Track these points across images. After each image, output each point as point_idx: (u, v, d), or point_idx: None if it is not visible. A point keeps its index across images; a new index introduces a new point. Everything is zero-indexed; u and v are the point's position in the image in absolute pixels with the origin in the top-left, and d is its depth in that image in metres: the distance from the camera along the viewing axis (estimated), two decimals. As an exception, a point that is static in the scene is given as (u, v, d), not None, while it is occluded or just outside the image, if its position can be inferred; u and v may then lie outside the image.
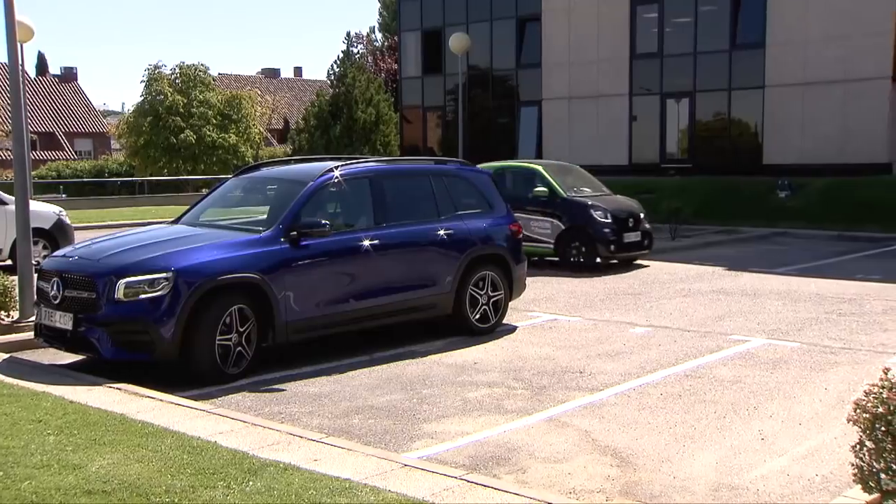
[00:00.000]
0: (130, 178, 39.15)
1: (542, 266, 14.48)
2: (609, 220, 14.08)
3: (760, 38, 24.48)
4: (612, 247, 14.07)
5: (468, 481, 4.87)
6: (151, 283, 7.27)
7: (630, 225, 14.28)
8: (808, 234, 19.38)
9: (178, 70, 42.19)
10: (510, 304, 9.95)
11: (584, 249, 14.17)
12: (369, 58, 47.49)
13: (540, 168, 15.11)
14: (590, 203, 14.32)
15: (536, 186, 14.61)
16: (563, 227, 14.29)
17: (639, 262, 15.16)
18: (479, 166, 12.61)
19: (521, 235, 10.20)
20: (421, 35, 33.04)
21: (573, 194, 14.56)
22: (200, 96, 41.37)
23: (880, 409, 3.73)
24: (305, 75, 68.82)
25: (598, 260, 14.26)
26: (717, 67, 25.41)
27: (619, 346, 8.84)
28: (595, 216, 14.12)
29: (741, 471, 5.39)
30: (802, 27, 23.57)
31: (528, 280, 10.58)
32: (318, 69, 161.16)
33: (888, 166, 22.44)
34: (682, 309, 10.90)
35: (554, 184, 14.57)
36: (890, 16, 22.37)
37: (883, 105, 22.57)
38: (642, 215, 14.64)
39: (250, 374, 7.62)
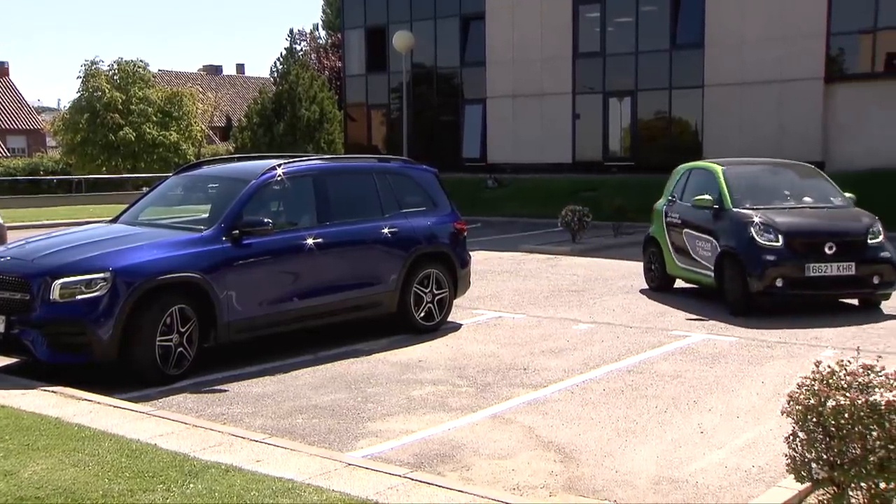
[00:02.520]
0: (67, 177, 38.19)
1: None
2: (777, 244, 9.90)
3: (699, 39, 24.93)
4: (779, 281, 9.81)
5: (412, 479, 4.87)
6: (88, 283, 7.12)
7: (828, 251, 9.85)
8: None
9: (116, 66, 41.32)
10: (455, 301, 9.97)
11: (737, 282, 10.19)
12: (313, 55, 47.08)
13: (717, 168, 11.45)
14: (755, 218, 10.19)
15: (702, 194, 11.16)
16: (719, 249, 10.52)
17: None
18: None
19: (465, 234, 10.22)
20: (365, 33, 32.89)
21: (751, 205, 10.60)
22: (140, 93, 40.57)
23: (812, 401, 3.83)
24: (248, 72, 67.98)
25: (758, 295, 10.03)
26: (658, 67, 25.81)
27: (562, 343, 8.92)
28: (753, 236, 10.03)
29: (681, 464, 5.49)
30: (739, 28, 24.06)
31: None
32: (261, 66, 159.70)
33: (821, 165, 23.02)
34: (624, 305, 11.04)
35: (724, 189, 10.88)
36: (823, 18, 22.98)
37: (817, 105, 23.18)
38: (868, 239, 10.15)
39: (192, 375, 7.51)
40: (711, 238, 10.74)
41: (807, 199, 11.00)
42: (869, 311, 10.34)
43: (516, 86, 28.37)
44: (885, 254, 10.16)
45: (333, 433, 6.12)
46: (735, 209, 10.59)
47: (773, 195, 11.05)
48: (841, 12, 22.83)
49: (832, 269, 9.90)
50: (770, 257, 9.89)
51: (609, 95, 27.12)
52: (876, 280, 10.06)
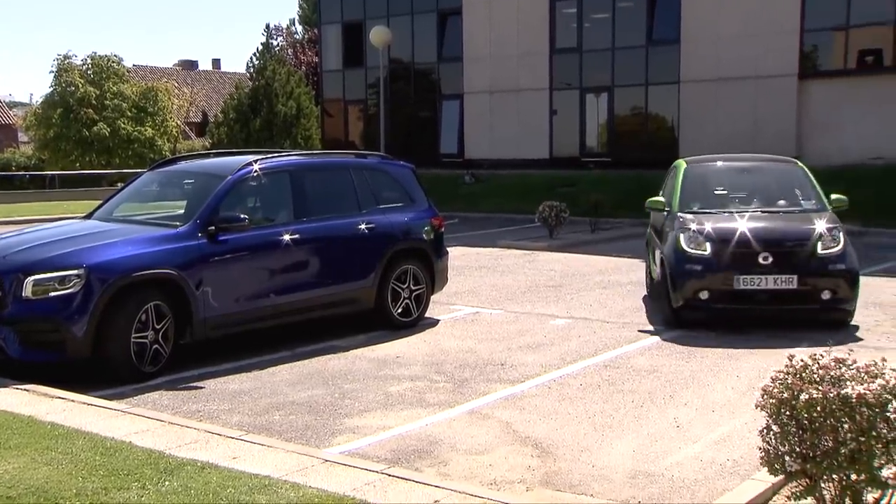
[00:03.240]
0: (40, 172, 37.75)
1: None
2: (704, 253, 8.79)
3: (675, 35, 25.07)
4: (704, 294, 8.74)
5: (390, 475, 4.87)
6: (62, 280, 7.05)
7: (763, 262, 8.64)
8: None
9: (89, 61, 40.93)
10: (432, 297, 9.97)
11: (664, 295, 9.33)
12: (289, 50, 46.83)
13: (682, 165, 10.65)
14: (690, 225, 9.17)
15: (656, 195, 10.63)
16: (659, 257, 9.72)
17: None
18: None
19: (443, 229, 10.22)
20: (342, 28, 32.77)
21: (699, 208, 9.59)
22: (114, 88, 40.23)
23: (785, 395, 3.86)
24: (224, 67, 67.50)
25: (682, 311, 9.05)
26: (635, 63, 25.92)
27: (539, 338, 8.95)
28: (681, 244, 8.98)
29: (657, 458, 5.53)
30: (715, 24, 24.22)
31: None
32: (237, 61, 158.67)
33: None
34: (601, 300, 11.10)
35: (676, 190, 10.01)
36: (797, 15, 23.18)
37: (791, 102, 23.39)
38: (818, 249, 8.79)
39: (168, 372, 7.46)
40: (659, 243, 9.85)
41: (779, 202, 9.70)
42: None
43: (493, 82, 28.39)
44: (837, 266, 8.70)
45: (310, 429, 6.10)
46: (679, 213, 9.53)
47: (731, 197, 9.94)
48: (815, 9, 23.06)
49: (769, 282, 8.61)
50: (694, 267, 8.77)
51: (586, 91, 27.20)
52: (826, 296, 8.61)
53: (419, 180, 10.28)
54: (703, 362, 7.86)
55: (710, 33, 24.29)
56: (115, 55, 41.68)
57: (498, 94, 28.38)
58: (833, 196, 9.68)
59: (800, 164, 10.61)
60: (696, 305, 8.92)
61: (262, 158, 8.78)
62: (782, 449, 3.92)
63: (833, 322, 8.92)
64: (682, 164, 10.67)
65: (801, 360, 3.97)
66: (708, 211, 9.58)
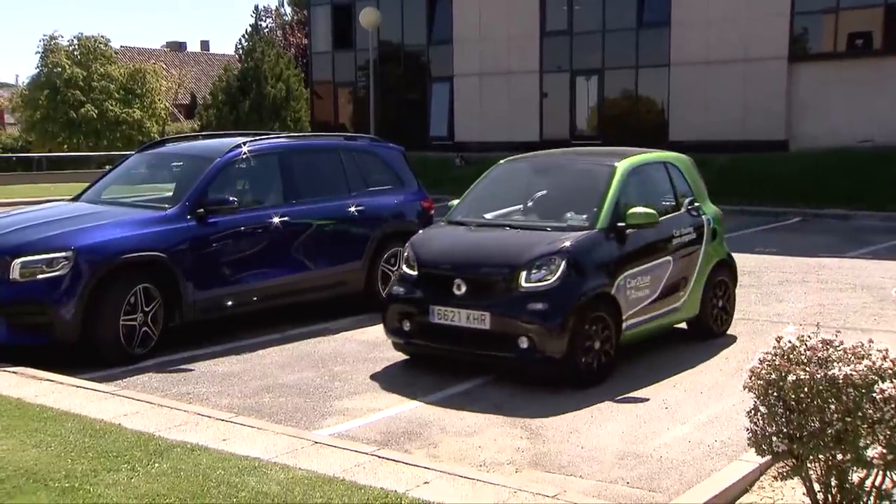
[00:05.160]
0: (27, 154, 37.45)
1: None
2: (413, 273, 7.13)
3: (665, 17, 24.98)
4: (406, 324, 7.04)
5: (379, 457, 4.88)
6: (50, 262, 7.02)
7: (457, 292, 6.73)
8: (710, 210, 19.95)
9: (76, 42, 40.55)
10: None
11: None
12: (278, 32, 46.51)
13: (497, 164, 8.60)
14: (418, 239, 7.54)
15: None
16: None
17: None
18: None
19: (432, 212, 10.20)
20: (331, 9, 32.51)
21: (464, 217, 7.76)
22: (101, 69, 39.88)
23: (773, 376, 3.88)
24: (213, 49, 66.97)
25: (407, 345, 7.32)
26: (625, 46, 25.85)
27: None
28: (401, 263, 7.51)
29: (646, 439, 5.56)
30: (704, 7, 24.14)
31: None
32: (226, 43, 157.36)
33: (785, 143, 23.32)
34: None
35: (464, 196, 8.24)
36: (787, -2, 23.15)
37: (781, 84, 23.38)
38: (522, 280, 6.60)
39: (157, 354, 7.45)
40: None
41: (566, 213, 7.30)
42: (829, 289, 10.49)
43: (483, 64, 28.28)
44: (538, 306, 6.44)
45: (300, 412, 6.11)
46: (442, 220, 8.01)
47: (506, 203, 7.94)
48: (805, -8, 23.04)
49: (461, 318, 6.66)
50: (399, 290, 7.15)
51: (576, 74, 27.13)
52: (523, 344, 6.41)
53: (409, 163, 10.26)
54: (692, 344, 7.87)
55: (700, 16, 24.23)
56: (102, 36, 41.28)
57: (488, 76, 28.28)
58: (632, 210, 7.07)
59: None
60: (402, 337, 7.12)
61: (251, 141, 8.75)
62: (769, 430, 3.94)
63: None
64: (499, 163, 8.53)
65: (789, 342, 3.99)
66: (461, 221, 7.66)
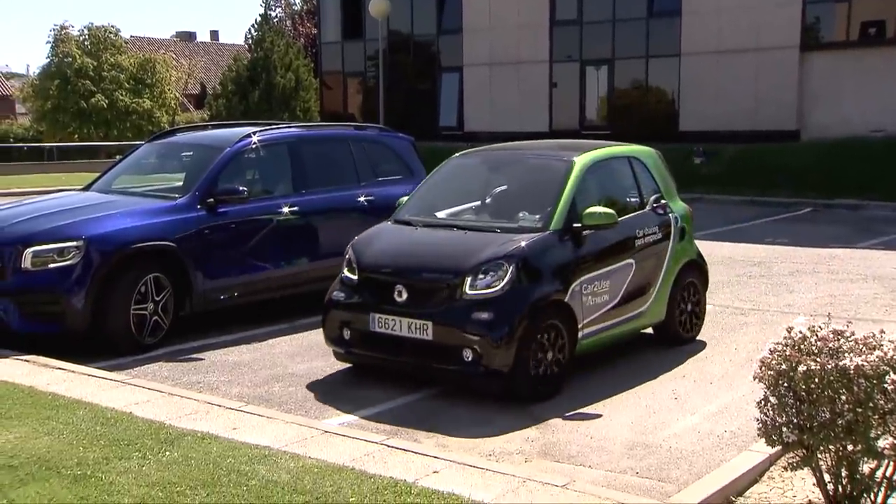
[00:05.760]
0: (38, 144, 37.58)
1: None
2: (350, 275, 6.66)
3: (676, 6, 24.83)
4: (347, 332, 6.53)
5: (389, 446, 4.90)
6: (61, 251, 7.05)
7: (398, 298, 6.25)
8: (721, 200, 19.91)
9: (86, 31, 40.61)
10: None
11: None
12: (288, 22, 46.48)
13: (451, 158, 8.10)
14: (360, 240, 6.96)
15: None
16: None
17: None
18: None
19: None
20: (340, -1, 32.49)
21: (412, 215, 7.23)
22: (112, 59, 39.93)
23: (783, 367, 3.87)
24: (223, 39, 67.09)
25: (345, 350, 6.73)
26: (635, 35, 25.72)
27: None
28: (343, 268, 6.84)
29: (655, 429, 5.56)
30: (716, -4, 24.02)
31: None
32: (236, 33, 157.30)
33: (796, 133, 23.18)
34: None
35: (414, 192, 7.88)
36: (799, -14, 22.97)
37: (792, 74, 23.24)
38: (466, 288, 6.09)
39: (168, 343, 7.48)
40: None
41: (519, 213, 6.80)
42: (840, 280, 10.46)
43: (493, 54, 28.20)
44: (483, 315, 5.94)
45: (310, 401, 6.13)
46: (389, 220, 7.39)
47: (457, 201, 7.38)
48: (817, -20, 22.87)
49: (402, 327, 6.20)
50: (339, 295, 6.65)
51: (586, 64, 27.02)
52: (468, 356, 5.93)
53: (418, 153, 10.25)
54: (702, 334, 7.86)
55: (711, 5, 24.08)
56: (112, 26, 41.32)
57: (498, 66, 28.20)
58: (589, 210, 6.55)
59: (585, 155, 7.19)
60: (342, 346, 6.64)
61: (261, 130, 8.75)
62: (780, 420, 3.94)
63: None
64: (451, 157, 8.04)
65: (800, 332, 3.97)
66: (407, 220, 7.15)
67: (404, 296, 6.20)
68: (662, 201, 7.57)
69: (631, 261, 6.94)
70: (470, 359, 5.92)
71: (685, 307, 7.58)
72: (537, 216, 6.62)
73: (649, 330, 7.54)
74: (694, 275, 7.73)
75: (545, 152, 7.76)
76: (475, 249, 6.25)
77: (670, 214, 7.54)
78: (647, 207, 7.41)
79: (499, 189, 7.42)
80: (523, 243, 6.25)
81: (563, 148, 7.78)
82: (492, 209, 7.19)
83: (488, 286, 6.02)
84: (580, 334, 6.40)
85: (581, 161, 6.99)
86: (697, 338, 7.74)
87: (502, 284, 6.01)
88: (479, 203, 7.33)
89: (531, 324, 5.99)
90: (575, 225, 6.50)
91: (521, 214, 6.75)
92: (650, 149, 8.04)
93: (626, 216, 7.00)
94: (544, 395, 6.10)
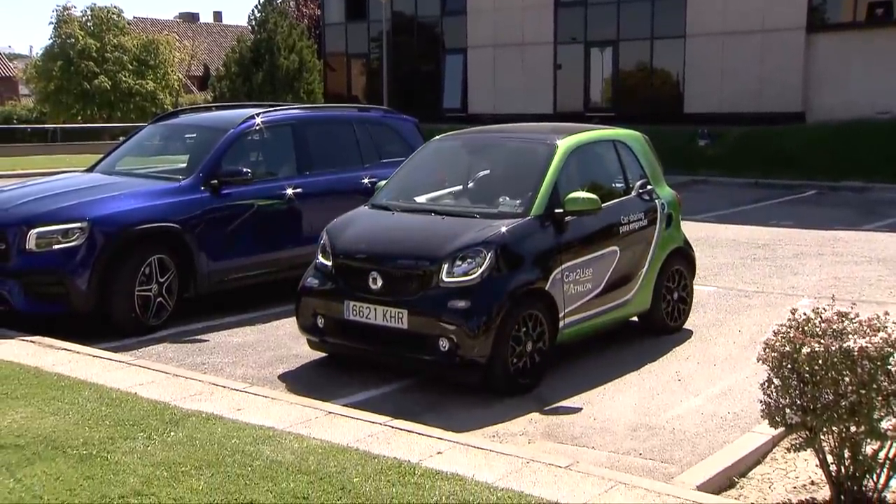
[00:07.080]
0: (41, 125, 37.56)
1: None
2: (328, 263, 6.45)
3: (682, -13, 24.69)
4: (321, 320, 6.37)
5: (393, 427, 4.91)
6: (65, 232, 7.06)
7: (373, 286, 6.05)
8: (726, 182, 19.87)
9: (89, 12, 40.49)
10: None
11: None
12: (291, 3, 46.25)
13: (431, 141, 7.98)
14: (335, 224, 6.80)
15: None
16: None
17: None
18: None
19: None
20: (344, -21, 32.34)
21: (390, 199, 7.04)
22: (115, 41, 39.83)
23: (787, 349, 3.88)
24: (226, 20, 67.04)
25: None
26: (640, 16, 25.56)
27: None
28: (317, 253, 6.68)
29: (659, 411, 5.57)
30: (722, -23, 23.85)
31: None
32: (239, 14, 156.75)
33: (801, 115, 23.08)
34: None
35: (392, 176, 7.64)
36: (806, -33, 22.80)
37: (798, 55, 23.10)
38: (443, 275, 5.90)
39: (172, 324, 7.50)
40: None
41: (500, 198, 6.59)
42: (845, 262, 10.43)
43: (497, 35, 28.06)
44: (459, 304, 5.74)
45: (314, 382, 6.14)
46: (365, 205, 7.19)
47: (437, 186, 7.24)
48: (824, -39, 22.69)
49: (377, 315, 6.03)
50: (312, 282, 6.47)
51: (591, 45, 26.88)
52: (444, 345, 5.74)
53: (422, 135, 10.21)
54: (705, 317, 7.86)
55: (717, -14, 23.93)
56: (114, 7, 41.20)
57: (502, 47, 28.07)
58: (571, 195, 6.34)
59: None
60: (315, 335, 6.45)
61: (265, 112, 8.73)
62: (783, 402, 3.94)
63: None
64: (431, 140, 7.92)
65: (804, 314, 3.97)
66: (385, 205, 6.94)
67: (379, 283, 6.00)
68: (649, 187, 7.36)
69: (615, 248, 6.74)
70: (446, 348, 5.71)
71: (672, 296, 7.39)
72: (518, 201, 6.40)
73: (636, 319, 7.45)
74: (681, 262, 7.52)
75: (527, 135, 7.46)
76: (453, 235, 6.04)
77: (657, 200, 7.32)
78: (633, 193, 7.20)
79: (480, 173, 7.21)
80: (503, 229, 6.05)
81: (546, 131, 7.44)
82: (472, 194, 6.97)
83: (466, 273, 5.83)
84: (562, 324, 6.21)
85: (564, 145, 6.76)
86: (700, 322, 7.74)
87: (480, 272, 5.82)
88: (459, 188, 7.13)
89: (510, 313, 5.79)
90: (557, 210, 6.29)
91: (501, 199, 6.53)
92: (637, 133, 7.85)
93: (611, 202, 6.82)
94: (523, 388, 5.89)
